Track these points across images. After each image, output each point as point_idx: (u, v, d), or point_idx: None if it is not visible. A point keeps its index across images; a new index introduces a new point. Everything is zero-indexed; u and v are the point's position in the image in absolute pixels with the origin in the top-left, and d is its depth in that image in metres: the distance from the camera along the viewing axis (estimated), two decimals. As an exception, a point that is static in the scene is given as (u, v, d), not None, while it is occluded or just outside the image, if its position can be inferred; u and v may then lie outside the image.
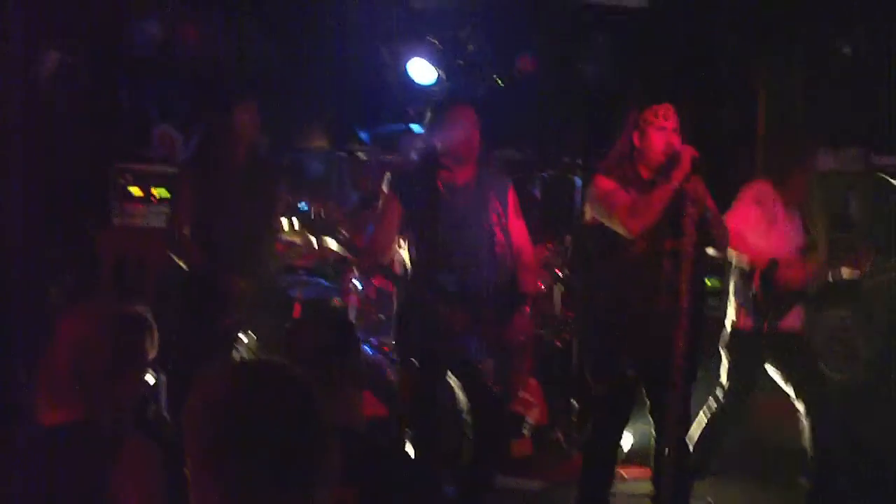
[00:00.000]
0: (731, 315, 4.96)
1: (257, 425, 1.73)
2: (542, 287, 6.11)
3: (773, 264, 4.80)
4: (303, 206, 5.00)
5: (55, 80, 5.89)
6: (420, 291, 4.30)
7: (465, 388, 4.41)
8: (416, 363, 4.30)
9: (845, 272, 4.99)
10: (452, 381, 4.42)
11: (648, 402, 4.40)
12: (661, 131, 4.20)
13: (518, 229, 4.52)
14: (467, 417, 4.40)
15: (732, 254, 4.83)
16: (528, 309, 4.43)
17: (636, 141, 4.28)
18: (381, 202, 4.45)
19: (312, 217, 4.81)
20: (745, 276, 4.85)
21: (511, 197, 4.51)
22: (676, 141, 4.19)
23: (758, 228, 4.85)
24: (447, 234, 4.29)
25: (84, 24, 5.90)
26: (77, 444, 2.41)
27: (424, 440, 4.33)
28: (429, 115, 4.48)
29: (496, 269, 4.39)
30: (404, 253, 4.44)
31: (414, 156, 5.31)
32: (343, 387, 2.67)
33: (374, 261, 4.56)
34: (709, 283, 5.63)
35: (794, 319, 4.93)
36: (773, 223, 4.90)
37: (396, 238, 4.42)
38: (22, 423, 2.55)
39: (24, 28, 5.38)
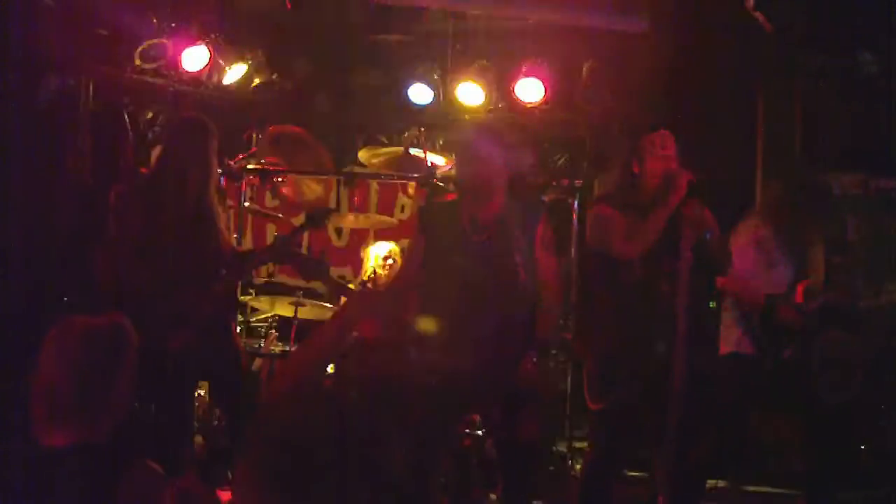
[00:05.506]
0: (731, 341, 4.87)
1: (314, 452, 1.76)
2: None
3: (772, 307, 4.79)
4: None
5: (56, 102, 5.91)
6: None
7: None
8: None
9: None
10: None
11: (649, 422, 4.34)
12: (660, 159, 4.25)
13: (544, 265, 4.16)
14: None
15: (728, 292, 4.80)
16: (535, 356, 4.08)
17: (635, 168, 4.31)
18: (412, 241, 4.29)
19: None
20: (744, 310, 4.80)
21: (540, 230, 4.17)
22: (673, 166, 4.23)
23: (755, 271, 4.80)
24: (465, 278, 4.04)
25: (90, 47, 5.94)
26: (80, 466, 2.41)
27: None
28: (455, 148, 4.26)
29: (516, 312, 4.07)
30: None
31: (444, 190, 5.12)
32: None
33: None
34: (712, 305, 5.63)
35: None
36: (772, 266, 4.84)
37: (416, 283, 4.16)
38: (20, 444, 2.55)
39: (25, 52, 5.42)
